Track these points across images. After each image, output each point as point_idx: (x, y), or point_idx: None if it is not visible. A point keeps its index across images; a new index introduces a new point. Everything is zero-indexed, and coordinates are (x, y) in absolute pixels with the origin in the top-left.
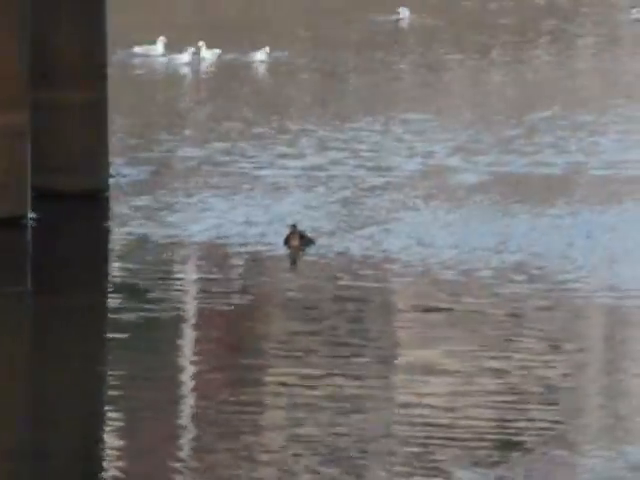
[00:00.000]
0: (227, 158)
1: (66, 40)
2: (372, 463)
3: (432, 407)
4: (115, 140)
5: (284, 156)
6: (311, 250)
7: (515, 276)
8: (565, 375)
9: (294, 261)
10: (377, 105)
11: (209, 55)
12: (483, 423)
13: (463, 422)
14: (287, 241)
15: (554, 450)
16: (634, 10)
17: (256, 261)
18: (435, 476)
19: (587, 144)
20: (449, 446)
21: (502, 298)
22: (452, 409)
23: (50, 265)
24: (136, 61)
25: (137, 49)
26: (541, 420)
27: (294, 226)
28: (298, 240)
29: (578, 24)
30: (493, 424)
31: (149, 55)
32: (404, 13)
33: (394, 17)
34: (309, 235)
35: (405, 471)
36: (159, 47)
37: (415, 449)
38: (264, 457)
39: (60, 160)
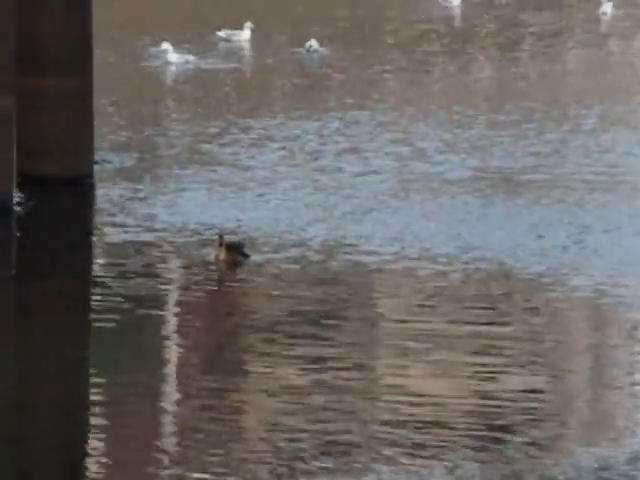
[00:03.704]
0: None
1: (52, 25)
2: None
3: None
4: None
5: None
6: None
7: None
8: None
9: (220, 278)
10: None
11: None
12: None
13: None
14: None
15: None
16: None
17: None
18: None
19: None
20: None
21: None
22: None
23: (33, 250)
24: (220, 45)
25: (222, 33)
26: None
27: (221, 237)
28: (225, 253)
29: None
30: None
31: (232, 40)
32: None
33: None
34: (241, 244)
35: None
36: (246, 33)
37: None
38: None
39: (45, 146)
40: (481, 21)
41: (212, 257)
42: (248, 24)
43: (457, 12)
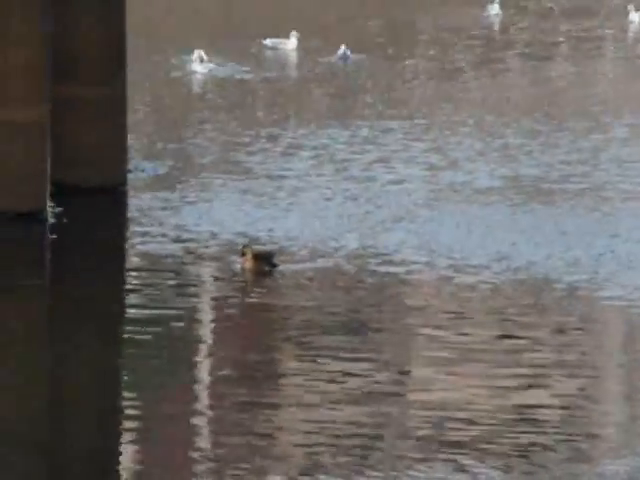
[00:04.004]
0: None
1: (86, 35)
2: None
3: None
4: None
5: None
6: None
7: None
8: None
9: (244, 288)
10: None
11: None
12: None
13: None
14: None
15: None
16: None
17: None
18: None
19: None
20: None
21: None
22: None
23: (67, 259)
24: (267, 53)
25: (268, 41)
26: None
27: (245, 246)
28: (252, 262)
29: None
30: None
31: (279, 48)
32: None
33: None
34: (270, 254)
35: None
36: (292, 41)
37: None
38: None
39: (79, 155)
40: (517, 29)
41: (238, 267)
42: (294, 33)
43: (495, 20)
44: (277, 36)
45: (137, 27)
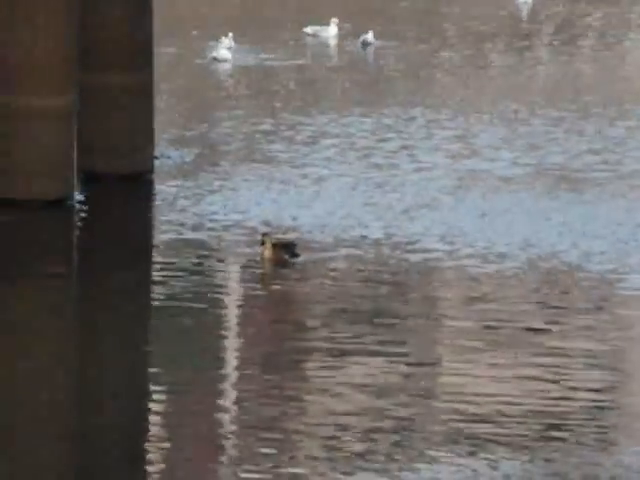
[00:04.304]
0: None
1: (113, 22)
2: None
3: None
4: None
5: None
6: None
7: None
8: None
9: (262, 278)
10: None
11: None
12: None
13: None
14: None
15: None
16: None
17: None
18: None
19: None
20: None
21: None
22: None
23: (94, 247)
24: (308, 40)
25: (308, 29)
26: None
27: (264, 235)
28: (271, 251)
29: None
30: None
31: (319, 35)
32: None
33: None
34: (290, 244)
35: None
36: (332, 28)
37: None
38: None
39: (106, 142)
40: (546, 16)
41: (258, 256)
42: (334, 20)
43: (524, 8)
44: (318, 24)
45: (167, 13)
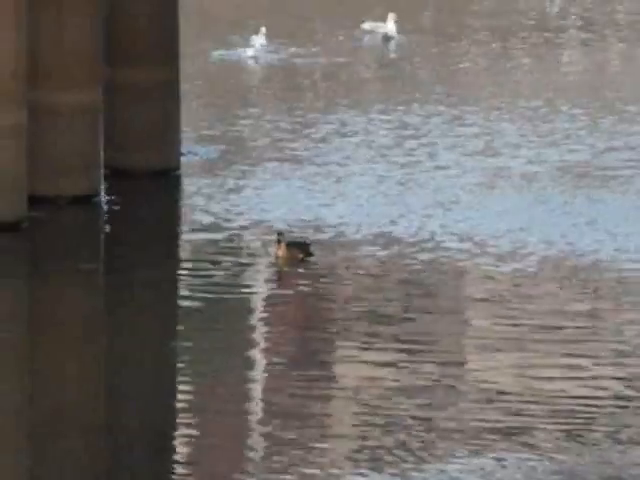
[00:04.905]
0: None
1: (139, 19)
2: None
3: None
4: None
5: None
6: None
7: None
8: None
9: (279, 275)
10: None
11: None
12: None
13: None
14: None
15: None
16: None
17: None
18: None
19: None
20: None
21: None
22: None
23: (121, 243)
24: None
25: (366, 25)
26: None
27: (280, 234)
28: (285, 250)
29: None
30: None
31: (377, 32)
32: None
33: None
34: (304, 243)
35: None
36: (389, 25)
37: None
38: None
39: (132, 138)
40: (575, 12)
41: (272, 255)
42: (392, 15)
43: (554, 2)
44: (375, 20)
45: (199, 8)
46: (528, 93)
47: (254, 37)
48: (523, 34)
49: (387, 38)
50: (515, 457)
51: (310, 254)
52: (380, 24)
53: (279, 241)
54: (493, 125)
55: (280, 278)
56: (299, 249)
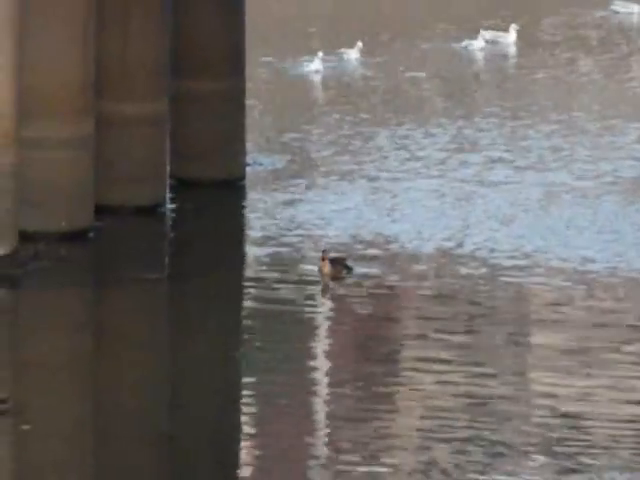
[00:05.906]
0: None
1: (205, 30)
2: None
3: None
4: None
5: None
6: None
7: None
8: None
9: (325, 289)
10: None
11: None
12: None
13: None
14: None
15: None
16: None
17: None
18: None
19: None
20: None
21: None
22: None
23: (186, 253)
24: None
25: (487, 35)
26: None
27: (324, 251)
28: (329, 267)
29: None
30: None
31: (498, 42)
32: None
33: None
34: (344, 258)
35: None
36: (511, 35)
37: None
38: None
39: (198, 149)
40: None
41: (317, 271)
42: (514, 25)
43: (630, 20)
44: (495, 29)
45: (269, 23)
46: (589, 110)
47: (349, 50)
48: (601, 49)
49: (468, 48)
50: (583, 472)
51: (350, 268)
52: (501, 34)
53: (323, 258)
54: (548, 141)
55: (325, 291)
56: (341, 265)
